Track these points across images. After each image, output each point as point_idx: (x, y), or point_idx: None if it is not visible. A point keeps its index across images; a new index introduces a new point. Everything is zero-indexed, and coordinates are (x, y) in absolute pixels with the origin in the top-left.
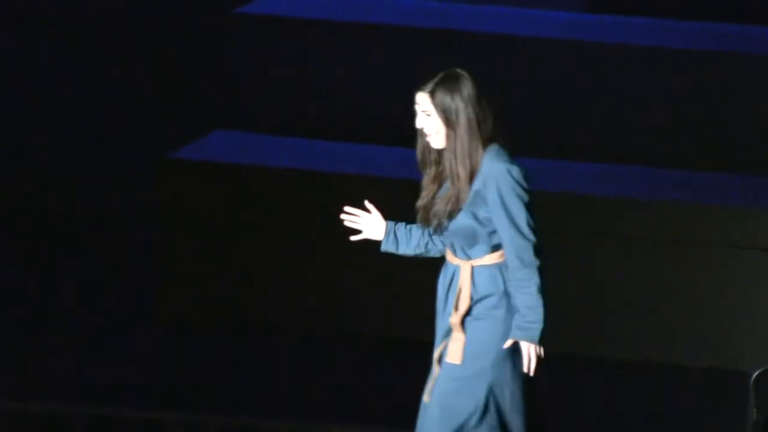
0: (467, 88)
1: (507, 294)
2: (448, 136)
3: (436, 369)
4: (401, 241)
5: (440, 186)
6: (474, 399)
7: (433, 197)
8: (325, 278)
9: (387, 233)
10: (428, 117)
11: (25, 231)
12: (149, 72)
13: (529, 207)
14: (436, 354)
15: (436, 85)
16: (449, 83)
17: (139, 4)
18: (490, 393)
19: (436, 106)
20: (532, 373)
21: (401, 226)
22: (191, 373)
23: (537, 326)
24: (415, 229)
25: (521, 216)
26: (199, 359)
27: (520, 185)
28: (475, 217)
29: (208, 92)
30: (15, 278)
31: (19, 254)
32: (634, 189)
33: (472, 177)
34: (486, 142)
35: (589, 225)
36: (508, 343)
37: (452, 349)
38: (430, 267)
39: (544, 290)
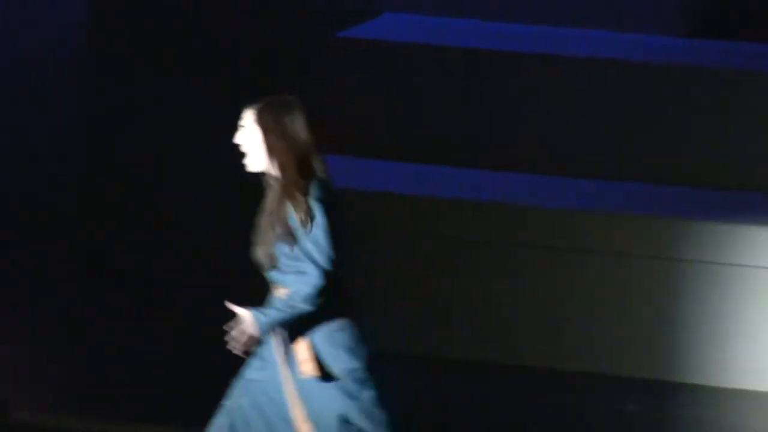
0: (295, 113)
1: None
2: (269, 160)
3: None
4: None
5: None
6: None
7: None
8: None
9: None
10: (246, 133)
11: None
12: None
13: (325, 240)
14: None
15: (266, 105)
16: (279, 105)
17: None
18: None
19: (260, 126)
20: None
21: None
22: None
23: (269, 318)
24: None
25: (316, 248)
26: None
27: (319, 220)
28: (291, 249)
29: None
30: None
31: None
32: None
33: (286, 206)
34: (305, 174)
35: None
36: (239, 310)
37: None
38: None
39: (301, 315)
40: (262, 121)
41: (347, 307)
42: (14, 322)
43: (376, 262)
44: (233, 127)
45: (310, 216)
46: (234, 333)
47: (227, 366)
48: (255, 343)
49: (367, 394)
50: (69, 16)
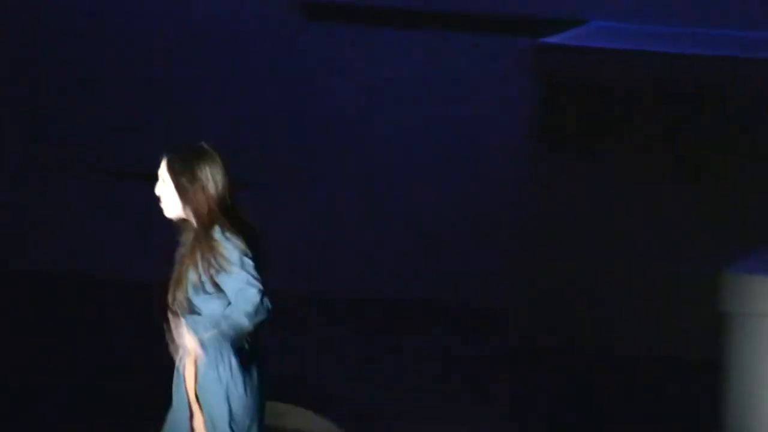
0: (208, 160)
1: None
2: (183, 208)
3: None
4: None
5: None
6: None
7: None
8: None
9: None
10: (162, 183)
11: None
12: None
13: (254, 271)
14: None
15: (177, 153)
16: (190, 153)
17: None
18: None
19: (173, 173)
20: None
21: None
22: None
23: (222, 325)
24: None
25: (249, 278)
26: None
27: (245, 255)
28: (210, 294)
29: None
30: None
31: None
32: None
33: (201, 251)
34: (218, 216)
35: None
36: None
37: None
38: None
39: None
40: (172, 169)
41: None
42: None
43: None
44: None
45: (235, 255)
46: (174, 338)
47: None
48: (192, 352)
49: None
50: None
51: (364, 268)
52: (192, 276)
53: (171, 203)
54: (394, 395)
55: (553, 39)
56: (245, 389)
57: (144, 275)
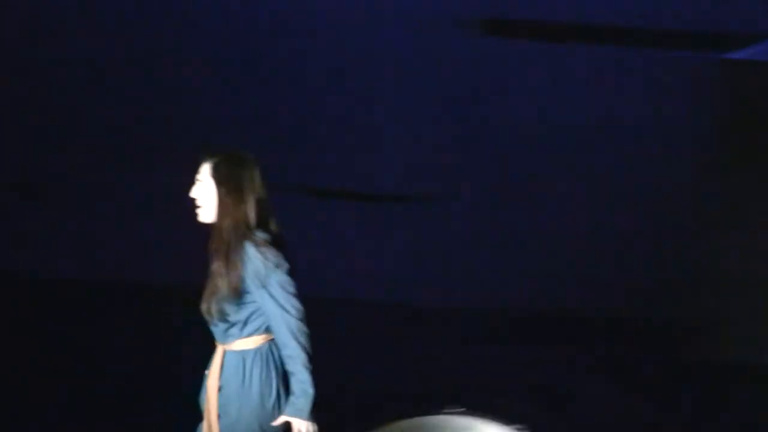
0: (251, 170)
1: (252, 377)
2: (221, 215)
3: None
4: None
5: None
6: None
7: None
8: None
9: None
10: (203, 186)
11: None
12: None
13: (289, 285)
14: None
15: (222, 159)
16: (235, 161)
17: None
18: None
19: (217, 179)
20: None
21: None
22: None
23: (304, 401)
24: None
25: (287, 299)
26: None
27: (277, 267)
28: (240, 303)
29: None
30: None
31: None
32: None
33: (235, 261)
34: (253, 228)
35: None
36: (279, 420)
37: None
38: None
39: (311, 365)
40: (216, 175)
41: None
42: None
43: None
44: None
45: (275, 266)
46: None
47: None
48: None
49: None
50: None
51: (544, 280)
52: (225, 286)
53: (208, 208)
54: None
55: (739, 54)
56: (274, 407)
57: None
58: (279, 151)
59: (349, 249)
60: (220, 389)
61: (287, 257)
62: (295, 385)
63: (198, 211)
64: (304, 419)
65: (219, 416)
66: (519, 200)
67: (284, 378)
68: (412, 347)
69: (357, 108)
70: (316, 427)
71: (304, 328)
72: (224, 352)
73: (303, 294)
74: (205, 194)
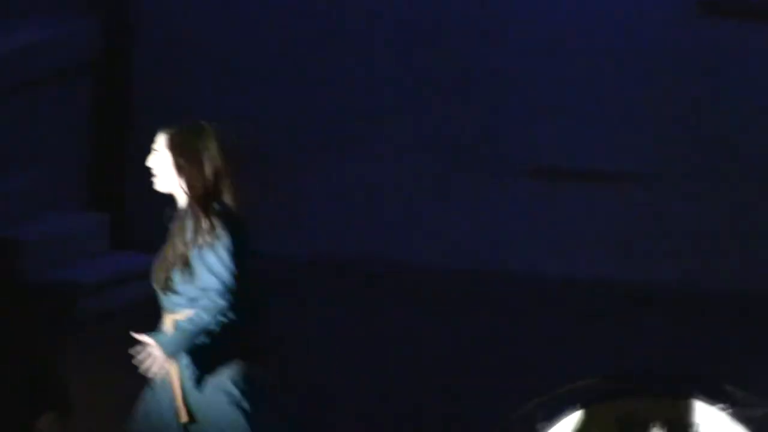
0: (207, 140)
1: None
2: (178, 184)
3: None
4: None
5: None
6: None
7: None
8: None
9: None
10: (158, 155)
11: None
12: None
13: (227, 257)
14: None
15: (178, 129)
16: (191, 131)
17: None
18: None
19: (172, 149)
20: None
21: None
22: None
23: (177, 335)
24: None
25: (220, 270)
26: None
27: (218, 239)
28: (187, 271)
29: None
30: None
31: None
32: None
33: (186, 230)
34: (212, 198)
35: None
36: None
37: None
38: None
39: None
40: (172, 145)
41: (242, 335)
42: None
43: None
44: None
45: (214, 236)
46: (142, 356)
47: None
48: (165, 363)
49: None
50: None
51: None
52: (173, 254)
53: (164, 178)
54: None
55: None
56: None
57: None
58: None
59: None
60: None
61: (238, 230)
62: (181, 322)
63: (154, 179)
64: (162, 351)
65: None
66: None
67: (232, 344)
68: (647, 330)
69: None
70: (167, 361)
71: (226, 296)
72: (175, 322)
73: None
74: (161, 164)
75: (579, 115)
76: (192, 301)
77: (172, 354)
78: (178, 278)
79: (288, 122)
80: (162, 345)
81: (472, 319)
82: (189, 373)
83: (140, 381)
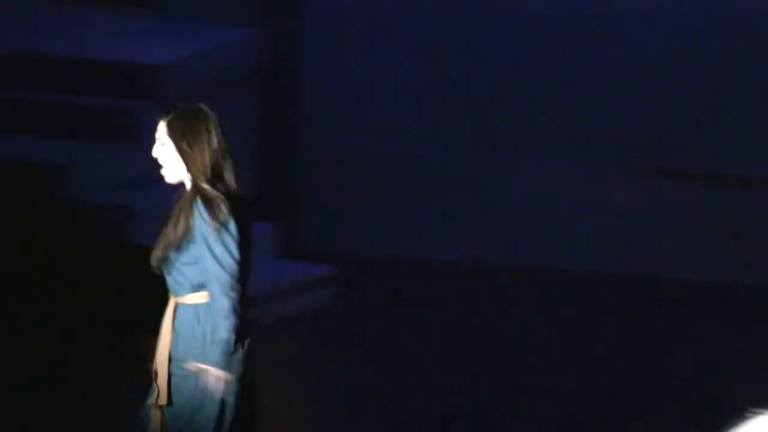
0: (206, 122)
1: (204, 332)
2: (183, 170)
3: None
4: None
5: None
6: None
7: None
8: None
9: None
10: (162, 146)
11: None
12: None
13: (232, 244)
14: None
15: (176, 114)
16: (189, 114)
17: None
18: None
19: (172, 135)
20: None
21: None
22: None
23: (215, 348)
24: None
25: (224, 256)
26: None
27: (224, 226)
28: (190, 257)
29: None
30: None
31: None
32: None
33: (187, 212)
34: (209, 180)
35: None
36: (189, 365)
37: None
38: None
39: (234, 321)
40: (173, 132)
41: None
42: None
43: None
44: None
45: (219, 222)
46: (210, 384)
47: None
48: (221, 375)
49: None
50: None
51: None
52: (172, 234)
53: (172, 167)
54: None
55: None
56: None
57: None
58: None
59: None
60: (171, 342)
61: (241, 213)
62: (210, 334)
63: (162, 172)
64: (213, 366)
65: (170, 372)
66: None
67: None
68: None
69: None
70: (230, 376)
71: (236, 286)
72: (176, 305)
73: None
74: (165, 153)
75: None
76: (197, 288)
77: (224, 367)
78: (178, 259)
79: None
80: (213, 365)
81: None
82: (179, 356)
83: (311, 389)
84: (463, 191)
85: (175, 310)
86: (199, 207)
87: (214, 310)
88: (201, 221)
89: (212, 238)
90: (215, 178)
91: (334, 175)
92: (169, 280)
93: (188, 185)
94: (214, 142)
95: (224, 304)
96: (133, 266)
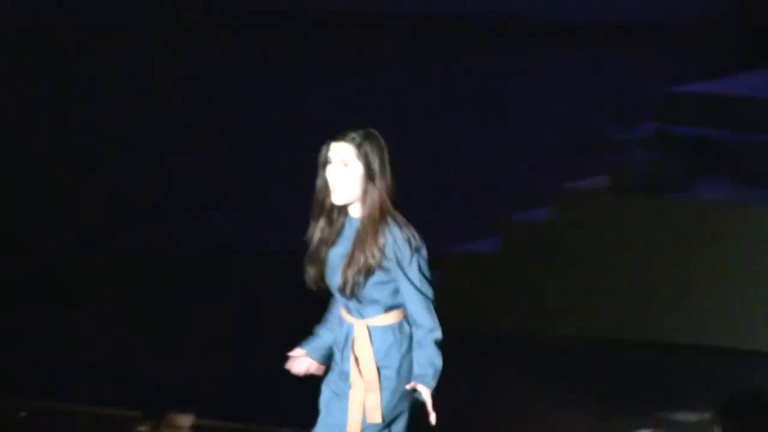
0: (386, 148)
1: (400, 351)
2: (364, 193)
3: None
4: (326, 346)
5: (326, 241)
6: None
7: (318, 251)
8: None
9: (320, 356)
10: (345, 167)
11: None
12: None
13: (426, 268)
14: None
15: (363, 138)
16: (375, 139)
17: None
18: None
19: (361, 158)
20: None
21: (317, 341)
22: None
23: (432, 371)
24: (324, 330)
25: (422, 282)
26: None
27: (417, 251)
28: (381, 280)
29: None
30: None
31: None
32: None
33: (378, 238)
34: (392, 206)
35: None
36: (410, 386)
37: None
38: None
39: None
40: (364, 154)
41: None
42: None
43: None
44: None
45: (414, 248)
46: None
47: None
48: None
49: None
50: None
51: None
52: (363, 261)
53: (350, 188)
54: None
55: None
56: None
57: None
58: None
59: None
60: (379, 368)
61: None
62: (423, 358)
63: (336, 193)
64: (427, 388)
65: (381, 389)
66: None
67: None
68: None
69: None
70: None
71: (433, 309)
72: (368, 328)
73: None
74: (347, 175)
75: None
76: (388, 309)
77: (434, 387)
78: (367, 283)
79: None
80: (428, 387)
81: None
82: (393, 379)
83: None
84: None
85: (369, 333)
86: (393, 231)
87: (428, 339)
88: (394, 246)
89: (407, 262)
90: (393, 203)
91: None
92: (352, 304)
93: (362, 209)
94: (392, 167)
95: (438, 335)
96: None
